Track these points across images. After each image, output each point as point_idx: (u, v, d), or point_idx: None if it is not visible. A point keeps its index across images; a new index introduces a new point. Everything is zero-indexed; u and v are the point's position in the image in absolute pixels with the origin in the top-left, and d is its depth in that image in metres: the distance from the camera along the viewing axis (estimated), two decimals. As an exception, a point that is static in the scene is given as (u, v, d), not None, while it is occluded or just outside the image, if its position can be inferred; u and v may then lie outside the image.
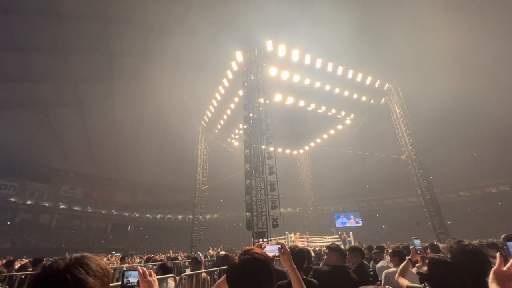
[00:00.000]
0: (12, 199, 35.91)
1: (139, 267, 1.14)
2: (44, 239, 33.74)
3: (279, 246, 1.42)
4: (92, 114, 37.28)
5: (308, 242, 15.27)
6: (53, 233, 36.37)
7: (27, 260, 9.58)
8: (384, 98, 19.64)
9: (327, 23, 31.40)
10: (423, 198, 16.78)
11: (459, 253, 2.20)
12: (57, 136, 37.81)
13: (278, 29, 30.92)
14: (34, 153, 37.50)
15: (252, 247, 1.27)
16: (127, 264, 8.78)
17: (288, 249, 1.43)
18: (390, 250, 5.03)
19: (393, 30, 31.44)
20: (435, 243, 7.86)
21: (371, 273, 3.89)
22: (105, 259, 13.67)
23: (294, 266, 1.41)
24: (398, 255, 3.54)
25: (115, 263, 11.81)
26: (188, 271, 4.85)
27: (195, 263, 4.25)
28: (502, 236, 1.11)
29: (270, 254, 1.31)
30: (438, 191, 18.39)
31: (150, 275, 1.16)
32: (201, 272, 3.99)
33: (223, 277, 1.28)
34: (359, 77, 17.29)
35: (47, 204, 39.07)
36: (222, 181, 22.76)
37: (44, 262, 5.38)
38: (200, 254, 4.44)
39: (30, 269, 5.37)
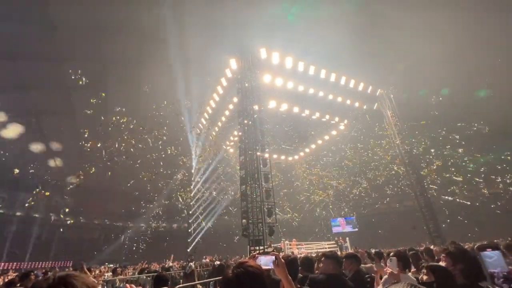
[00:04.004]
0: (0, 211, 34.87)
1: (127, 285, 1.12)
2: (34, 252, 32.68)
3: (273, 258, 1.40)
4: (84, 122, 36.83)
5: (299, 248, 15.09)
6: (44, 245, 35.28)
7: (14, 275, 9.25)
8: (376, 104, 19.99)
9: (320, 29, 31.97)
10: (417, 202, 16.94)
11: (455, 257, 2.23)
12: (48, 145, 37.14)
13: (272, 36, 31.30)
14: (24, 162, 36.68)
15: (246, 259, 1.26)
16: (120, 277, 8.54)
17: (283, 261, 1.41)
18: (387, 255, 4.95)
19: (387, 37, 32.12)
20: (433, 247, 7.91)
21: (368, 279, 3.86)
22: (97, 271, 13.28)
23: (290, 278, 1.39)
24: (402, 261, 3.10)
25: (108, 274, 11.52)
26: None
27: (185, 275, 4.16)
28: (476, 246, 1.14)
29: (264, 267, 1.29)
30: (432, 194, 18.58)
31: None
32: (195, 284, 3.90)
33: (217, 291, 1.26)
34: (352, 83, 17.60)
35: (37, 215, 38.04)
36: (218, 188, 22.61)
37: (32, 276, 5.21)
38: (192, 265, 4.35)
39: (18, 285, 5.18)
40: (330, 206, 44.81)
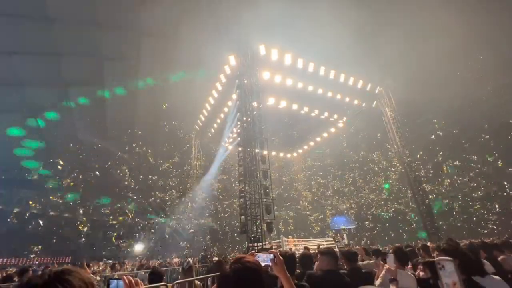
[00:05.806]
0: (-1, 207, 34.70)
1: (124, 277, 1.09)
2: (33, 248, 32.62)
3: (272, 256, 1.38)
4: (82, 119, 36.65)
5: (297, 245, 15.12)
6: (42, 241, 35.21)
7: (13, 270, 9.26)
8: (375, 102, 19.94)
9: (319, 26, 31.76)
10: (415, 199, 17.03)
11: (449, 253, 2.26)
12: (46, 141, 36.94)
13: (271, 33, 31.05)
14: (22, 158, 36.52)
15: (244, 255, 1.25)
16: (119, 272, 8.57)
17: (281, 258, 1.40)
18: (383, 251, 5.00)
19: (386, 35, 31.92)
20: (430, 244, 7.97)
21: (365, 275, 3.87)
22: (96, 266, 13.32)
23: (288, 275, 1.39)
24: (400, 257, 2.92)
25: (107, 271, 11.54)
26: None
27: (183, 271, 4.17)
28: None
29: (262, 264, 1.28)
30: (429, 191, 18.71)
31: (137, 285, 1.10)
32: (193, 280, 3.92)
33: (215, 286, 1.26)
34: (351, 81, 17.52)
35: (36, 212, 37.92)
36: (216, 186, 22.62)
37: (30, 271, 5.22)
38: (190, 261, 4.36)
39: (16, 280, 5.19)
40: (329, 203, 45.03)
